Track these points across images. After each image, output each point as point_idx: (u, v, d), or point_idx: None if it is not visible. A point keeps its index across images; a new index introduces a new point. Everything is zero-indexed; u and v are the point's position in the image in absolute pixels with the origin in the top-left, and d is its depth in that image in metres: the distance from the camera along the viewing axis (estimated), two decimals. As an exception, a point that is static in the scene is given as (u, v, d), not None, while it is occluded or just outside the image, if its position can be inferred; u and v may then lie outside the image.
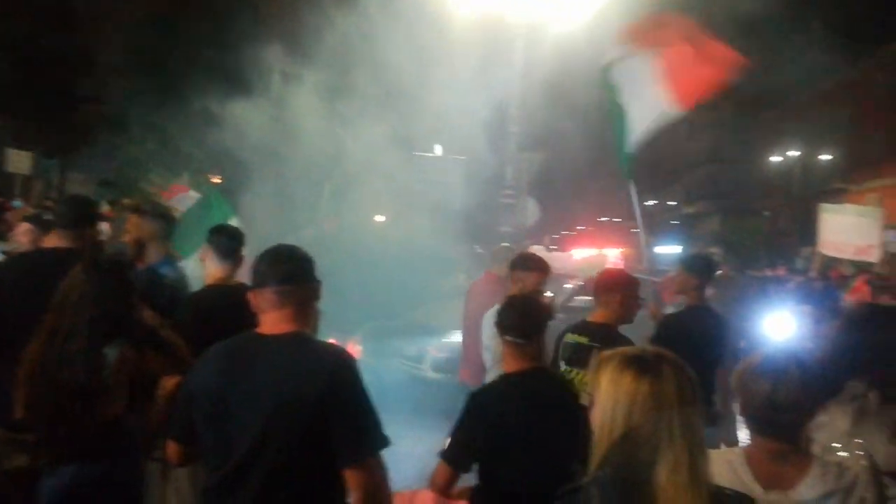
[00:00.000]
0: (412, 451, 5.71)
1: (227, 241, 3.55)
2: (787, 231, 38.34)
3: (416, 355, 8.04)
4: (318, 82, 11.79)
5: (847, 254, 10.04)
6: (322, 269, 2.32)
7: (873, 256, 10.09)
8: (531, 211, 13.16)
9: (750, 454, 1.93)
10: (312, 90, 11.63)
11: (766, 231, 38.59)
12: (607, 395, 1.45)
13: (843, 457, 2.06)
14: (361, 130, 11.80)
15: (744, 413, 1.98)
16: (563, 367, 3.49)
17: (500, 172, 11.19)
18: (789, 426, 1.89)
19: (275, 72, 12.95)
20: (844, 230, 9.86)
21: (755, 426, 1.94)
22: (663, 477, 1.35)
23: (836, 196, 34.79)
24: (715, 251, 33.58)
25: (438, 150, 14.61)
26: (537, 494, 1.96)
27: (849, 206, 11.30)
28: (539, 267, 4.25)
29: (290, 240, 2.90)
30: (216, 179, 16.92)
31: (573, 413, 2.66)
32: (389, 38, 10.13)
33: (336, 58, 11.23)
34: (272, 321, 2.09)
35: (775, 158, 32.51)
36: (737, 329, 5.76)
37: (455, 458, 2.75)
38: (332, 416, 1.91)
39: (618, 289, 3.61)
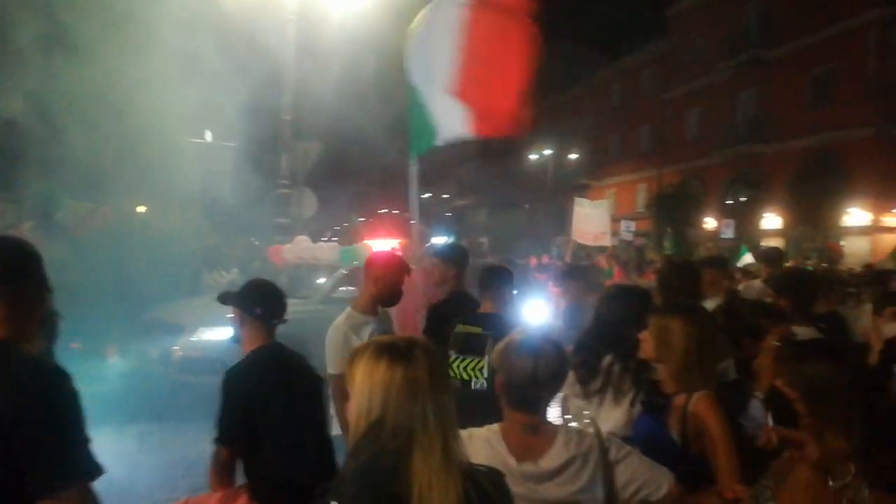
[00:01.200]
0: (185, 456, 5.37)
1: None
2: (544, 222, 42.43)
3: (161, 356, 7.37)
4: (72, 59, 10.43)
5: (587, 240, 11.67)
6: (63, 264, 2.01)
7: (606, 242, 12.10)
8: (308, 202, 12.91)
9: (505, 429, 2.04)
10: (65, 67, 10.25)
11: (527, 222, 42.28)
12: (363, 385, 1.45)
13: (582, 424, 2.28)
14: (119, 110, 10.66)
15: (504, 389, 2.05)
16: (453, 356, 3.61)
17: (276, 162, 10.78)
18: (542, 400, 2.04)
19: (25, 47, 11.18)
20: (585, 220, 11.58)
21: (514, 401, 2.03)
22: (418, 462, 1.38)
23: (582, 191, 39.17)
24: (483, 241, 35.75)
25: (208, 136, 13.66)
26: (301, 484, 1.92)
27: (586, 200, 12.97)
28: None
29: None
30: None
31: (317, 383, 3.00)
32: (156, 18, 9.28)
33: (96, 35, 10.00)
34: None
35: (533, 156, 35.69)
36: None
37: (227, 437, 2.75)
38: (21, 442, 1.64)
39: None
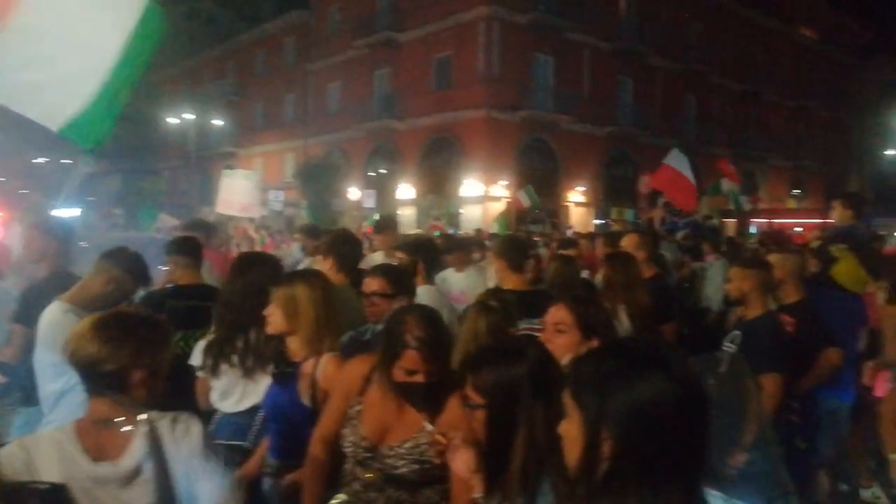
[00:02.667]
0: None
1: None
2: (187, 191, 39.80)
3: None
4: None
5: (234, 210, 11.41)
6: None
7: (255, 213, 12.21)
8: None
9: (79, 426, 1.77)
10: None
11: (167, 191, 39.21)
12: None
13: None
14: None
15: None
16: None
17: None
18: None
19: None
20: (234, 191, 11.30)
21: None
22: None
23: (228, 159, 37.79)
24: (117, 212, 32.09)
25: None
26: None
27: (239, 171, 13.05)
28: None
29: None
30: None
31: None
32: None
33: None
34: None
35: (173, 120, 33.03)
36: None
37: None
38: None
39: None
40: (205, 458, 1.75)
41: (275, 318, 2.53)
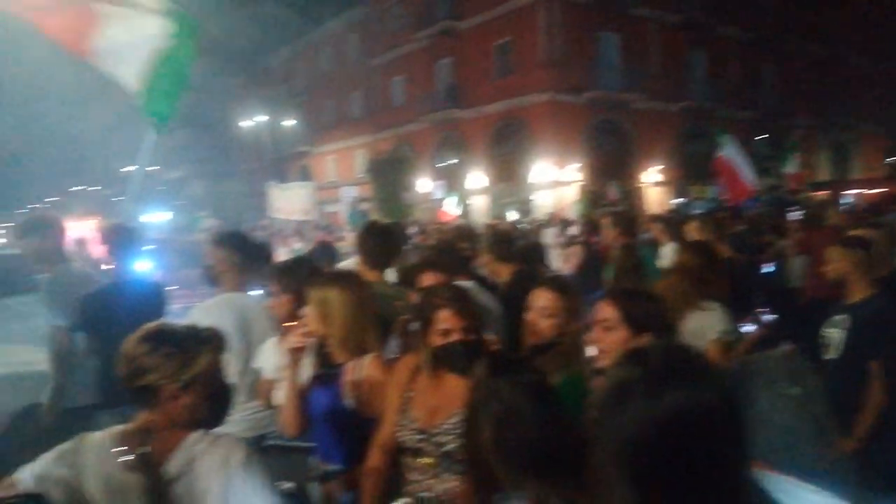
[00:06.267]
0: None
1: None
2: (264, 192, 41.04)
3: None
4: None
5: (295, 215, 13.97)
6: None
7: (313, 216, 14.79)
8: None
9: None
10: None
11: (246, 192, 40.58)
12: None
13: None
14: None
15: None
16: None
17: None
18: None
19: None
20: (291, 199, 14.11)
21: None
22: None
23: (301, 158, 38.80)
24: (203, 214, 33.57)
25: None
26: None
27: (293, 184, 16.61)
28: None
29: None
30: None
31: None
32: None
33: None
34: None
35: (246, 123, 34.16)
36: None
37: None
38: None
39: None
40: (246, 483, 1.71)
41: (311, 321, 2.53)
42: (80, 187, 51.83)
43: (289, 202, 14.30)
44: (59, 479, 1.58)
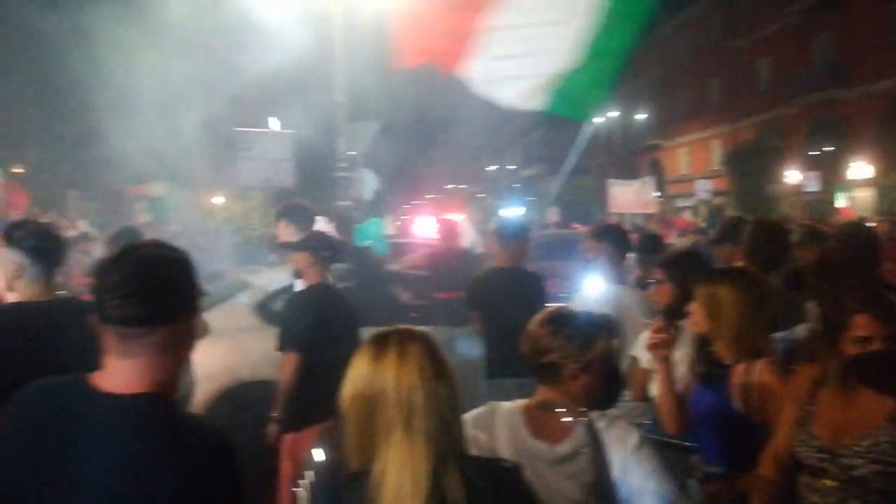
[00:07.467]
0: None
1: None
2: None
3: None
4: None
5: (634, 209, 15.07)
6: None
7: (652, 209, 15.72)
8: (369, 183, 13.16)
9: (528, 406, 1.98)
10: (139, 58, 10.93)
11: (593, 187, 41.37)
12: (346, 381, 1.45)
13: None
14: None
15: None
16: None
17: (333, 145, 10.99)
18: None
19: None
20: (631, 193, 15.07)
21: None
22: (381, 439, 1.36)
23: (652, 152, 38.07)
24: (553, 210, 35.48)
25: (274, 124, 13.94)
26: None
27: (633, 181, 17.29)
28: None
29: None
30: (17, 169, 15.31)
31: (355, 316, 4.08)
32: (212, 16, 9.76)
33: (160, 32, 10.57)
34: (114, 372, 1.33)
35: (598, 119, 34.86)
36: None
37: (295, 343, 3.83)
38: None
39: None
40: (642, 465, 1.81)
41: (697, 318, 2.46)
42: (451, 185, 58.85)
43: (627, 197, 14.97)
44: (474, 441, 1.74)
